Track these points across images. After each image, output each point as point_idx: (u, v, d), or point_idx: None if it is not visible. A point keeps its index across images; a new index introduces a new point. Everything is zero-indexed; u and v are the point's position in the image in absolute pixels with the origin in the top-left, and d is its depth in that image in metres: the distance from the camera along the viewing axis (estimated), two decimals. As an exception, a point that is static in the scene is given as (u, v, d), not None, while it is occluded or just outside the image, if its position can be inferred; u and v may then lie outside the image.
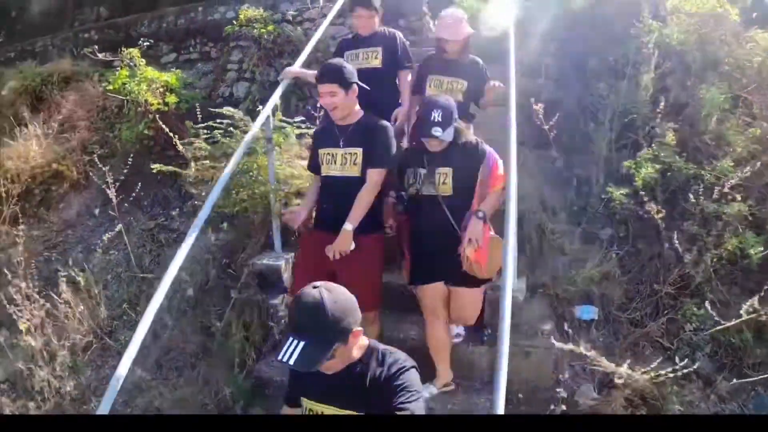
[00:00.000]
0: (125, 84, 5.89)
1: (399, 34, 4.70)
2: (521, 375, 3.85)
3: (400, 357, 2.25)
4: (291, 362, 2.01)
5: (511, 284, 3.06)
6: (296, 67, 4.93)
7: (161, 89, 5.92)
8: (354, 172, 3.61)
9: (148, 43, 6.83)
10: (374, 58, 4.60)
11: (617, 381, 3.64)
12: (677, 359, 3.83)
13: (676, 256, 4.42)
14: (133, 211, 5.72)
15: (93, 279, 4.82)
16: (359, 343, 2.24)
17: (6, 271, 4.81)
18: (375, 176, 3.56)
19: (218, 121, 4.73)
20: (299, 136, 5.03)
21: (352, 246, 3.47)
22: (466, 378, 4.01)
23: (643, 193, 4.46)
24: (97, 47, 7.60)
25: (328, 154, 3.71)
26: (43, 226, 5.95)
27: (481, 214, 3.44)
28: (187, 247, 3.53)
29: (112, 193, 4.69)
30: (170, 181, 5.80)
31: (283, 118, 4.99)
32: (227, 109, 4.76)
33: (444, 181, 3.56)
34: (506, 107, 4.61)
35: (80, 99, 7.35)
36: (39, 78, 7.59)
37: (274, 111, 4.67)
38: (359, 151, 3.60)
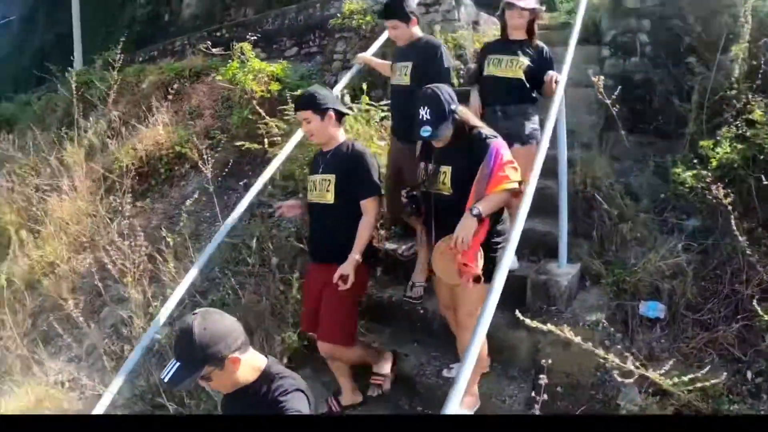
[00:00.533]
0: (235, 74, 6.54)
1: (437, 43, 4.35)
2: (561, 367, 3.71)
3: (285, 382, 2.34)
4: (165, 379, 2.21)
5: (501, 283, 2.85)
6: (368, 54, 5.16)
7: (266, 78, 6.50)
8: (328, 198, 3.62)
9: (255, 37, 7.45)
10: (404, 75, 4.36)
11: (668, 388, 3.31)
12: (749, 374, 3.56)
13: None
14: (239, 188, 6.35)
15: (194, 245, 5.46)
16: (250, 366, 2.34)
17: (125, 235, 5.58)
18: (368, 207, 3.59)
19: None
20: (382, 119, 5.37)
21: (351, 276, 3.50)
22: (505, 363, 3.99)
23: (709, 175, 4.02)
24: (208, 44, 8.43)
25: (311, 181, 3.76)
26: (165, 200, 6.77)
27: (475, 212, 3.13)
28: (237, 213, 4.00)
29: (208, 170, 5.25)
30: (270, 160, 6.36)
31: (370, 102, 5.36)
32: (300, 92, 5.17)
33: (443, 180, 3.37)
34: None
35: (208, 90, 8.19)
36: (173, 72, 8.53)
37: (341, 95, 5.03)
38: (332, 177, 3.59)
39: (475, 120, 3.44)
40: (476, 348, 2.54)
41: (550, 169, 4.13)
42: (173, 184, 6.98)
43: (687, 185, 4.34)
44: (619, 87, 4.78)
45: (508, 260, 2.93)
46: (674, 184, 4.51)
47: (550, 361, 3.21)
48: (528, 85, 4.30)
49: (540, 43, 4.40)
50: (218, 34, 9.53)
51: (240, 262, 5.19)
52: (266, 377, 2.36)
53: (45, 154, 7.89)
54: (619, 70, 5.51)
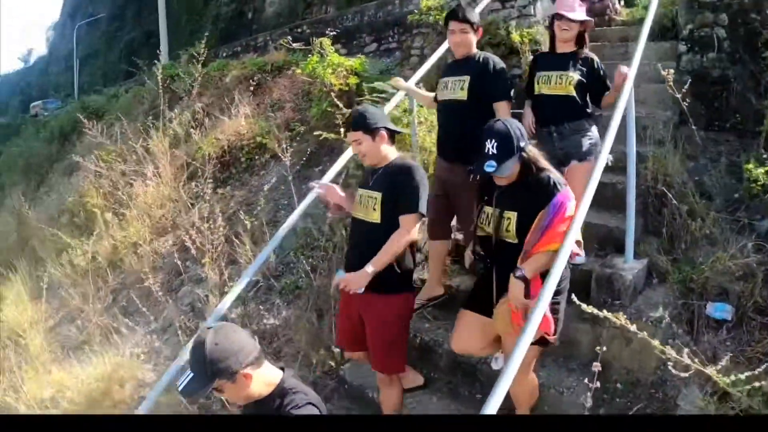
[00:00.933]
0: (315, 68, 6.74)
1: (494, 59, 4.17)
2: (621, 362, 3.66)
3: (297, 397, 2.36)
4: (180, 389, 2.28)
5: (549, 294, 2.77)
6: (418, 75, 5.07)
7: (345, 72, 6.67)
8: (373, 217, 3.41)
9: (335, 33, 7.64)
10: (460, 89, 4.13)
11: (726, 387, 3.11)
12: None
13: None
14: (316, 177, 6.53)
15: (271, 231, 5.66)
16: (263, 381, 2.38)
17: (206, 219, 5.84)
18: (406, 222, 3.33)
19: (376, 95, 5.30)
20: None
21: (361, 289, 3.32)
22: (567, 357, 3.91)
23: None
24: (289, 39, 8.68)
25: (360, 194, 3.57)
26: (244, 188, 7.03)
27: (518, 274, 2.93)
28: (303, 205, 4.08)
29: (287, 159, 5.44)
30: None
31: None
32: (378, 84, 5.30)
33: (507, 226, 3.13)
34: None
35: (289, 84, 8.46)
36: (256, 67, 8.84)
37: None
38: (379, 195, 3.40)
39: (543, 161, 3.16)
40: (504, 384, 2.51)
41: (622, 165, 4.17)
42: (253, 173, 7.24)
43: (760, 183, 4.26)
44: (689, 82, 4.75)
45: (540, 311, 2.73)
46: (747, 182, 4.41)
47: (605, 350, 3.14)
48: (581, 101, 4.15)
49: (590, 55, 4.24)
50: (299, 30, 9.82)
51: (315, 248, 5.35)
52: (280, 392, 2.40)
53: (132, 142, 8.30)
54: (696, 65, 5.32)
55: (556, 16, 4.19)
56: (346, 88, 6.49)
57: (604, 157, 3.50)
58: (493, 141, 3.04)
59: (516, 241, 3.06)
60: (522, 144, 3.07)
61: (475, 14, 4.22)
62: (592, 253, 4.47)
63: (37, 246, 9.47)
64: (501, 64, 4.15)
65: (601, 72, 4.17)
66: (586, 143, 4.14)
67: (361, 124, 3.41)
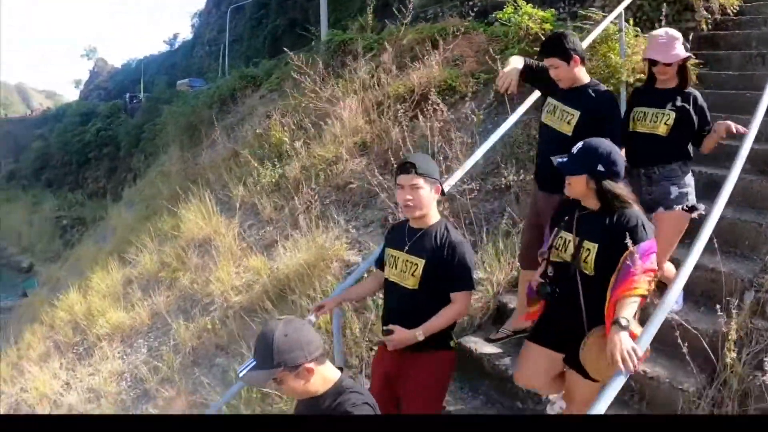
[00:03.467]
0: (510, 17, 7.48)
1: (606, 98, 3.92)
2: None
3: (353, 397, 2.44)
4: (240, 375, 2.41)
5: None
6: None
7: (539, 20, 7.37)
8: (411, 284, 3.30)
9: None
10: (566, 123, 3.92)
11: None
12: None
13: None
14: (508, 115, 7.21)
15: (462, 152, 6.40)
16: (323, 377, 2.47)
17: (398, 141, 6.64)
18: (463, 300, 3.29)
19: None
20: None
21: (397, 343, 3.26)
22: (673, 346, 3.61)
23: None
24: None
25: (392, 255, 3.44)
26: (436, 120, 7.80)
27: (623, 323, 2.74)
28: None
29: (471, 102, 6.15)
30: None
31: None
32: (591, 11, 5.94)
33: (586, 258, 3.04)
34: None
35: (468, 44, 9.23)
36: (434, 30, 9.68)
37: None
38: (421, 262, 3.26)
39: (629, 196, 3.06)
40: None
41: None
42: (442, 112, 8.00)
43: None
44: None
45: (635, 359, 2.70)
46: None
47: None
48: (676, 143, 4.03)
49: (693, 92, 4.07)
50: (471, 2, 10.51)
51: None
52: (337, 390, 2.47)
53: (318, 87, 9.31)
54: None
55: (651, 65, 4.12)
56: (542, 32, 7.15)
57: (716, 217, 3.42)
58: (580, 146, 3.08)
59: (593, 273, 3.00)
60: (601, 168, 3.00)
61: (569, 42, 3.85)
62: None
63: (212, 179, 10.72)
64: (613, 103, 3.96)
65: (702, 111, 4.03)
66: (675, 191, 3.99)
67: (424, 169, 3.23)
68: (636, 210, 3.01)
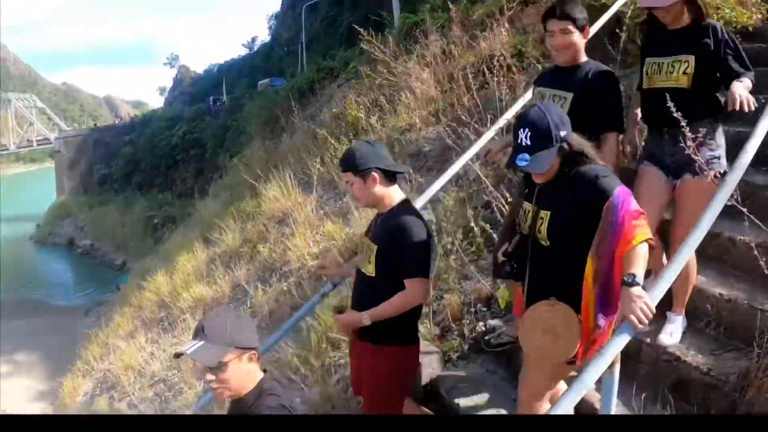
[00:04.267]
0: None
1: (606, 75, 3.44)
2: None
3: (269, 399, 2.40)
4: (188, 351, 2.37)
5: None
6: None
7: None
8: (369, 270, 3.23)
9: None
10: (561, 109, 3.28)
11: None
12: None
13: None
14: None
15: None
16: (247, 377, 2.44)
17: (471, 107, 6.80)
18: (413, 287, 3.13)
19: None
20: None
21: (350, 327, 3.30)
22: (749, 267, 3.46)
23: None
24: None
25: (362, 241, 3.43)
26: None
27: (629, 279, 2.45)
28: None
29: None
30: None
31: None
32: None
33: (540, 227, 2.76)
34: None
35: (536, 13, 9.27)
36: (503, 2, 9.79)
37: None
38: (375, 248, 3.20)
39: (591, 152, 2.73)
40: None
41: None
42: (512, 76, 8.09)
43: None
44: None
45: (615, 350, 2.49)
46: None
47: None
48: (701, 94, 3.35)
49: (713, 23, 3.39)
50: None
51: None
52: (258, 392, 2.44)
53: (391, 63, 9.57)
54: None
55: (650, 15, 3.54)
56: None
57: (735, 180, 3.00)
58: (527, 130, 2.65)
59: (548, 243, 2.74)
60: (563, 134, 2.65)
61: (579, 9, 3.40)
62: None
63: (292, 161, 11.16)
64: (614, 81, 3.45)
65: (728, 44, 3.30)
66: (705, 153, 3.33)
67: (350, 164, 3.18)
68: (591, 165, 2.68)
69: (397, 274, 3.14)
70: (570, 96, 3.36)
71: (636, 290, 2.43)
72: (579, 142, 2.71)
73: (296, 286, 7.09)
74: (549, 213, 2.72)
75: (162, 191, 39.80)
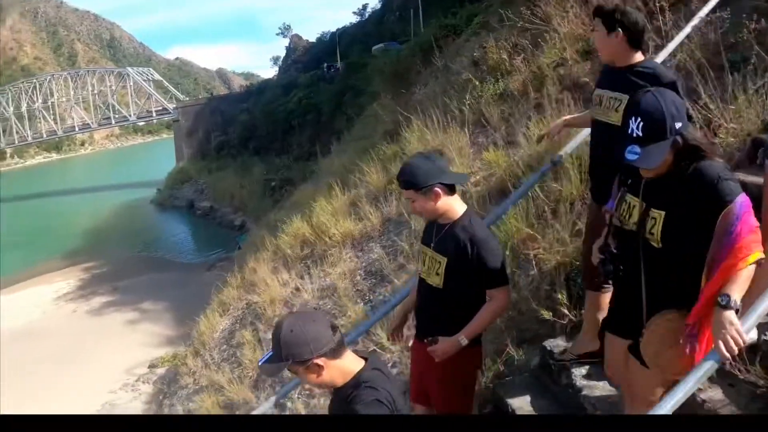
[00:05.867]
0: None
1: (671, 75, 3.15)
2: None
3: (362, 394, 2.39)
4: (259, 363, 2.48)
5: None
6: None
7: None
8: (435, 281, 3.25)
9: None
10: (614, 110, 3.17)
11: None
12: None
13: None
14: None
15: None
16: (340, 371, 2.44)
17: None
18: (500, 296, 3.19)
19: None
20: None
21: (442, 354, 3.19)
22: None
23: None
24: None
25: (423, 252, 3.42)
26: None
27: (724, 302, 2.26)
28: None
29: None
30: None
31: None
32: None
33: (652, 228, 2.52)
34: None
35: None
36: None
37: None
38: (443, 260, 3.20)
39: (710, 149, 2.49)
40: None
41: None
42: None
43: None
44: None
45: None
46: None
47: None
48: None
49: None
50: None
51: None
52: (355, 383, 2.45)
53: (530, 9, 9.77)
54: None
55: None
56: None
57: None
58: (639, 120, 2.42)
59: (660, 246, 2.50)
60: (678, 125, 2.42)
61: (622, 14, 3.12)
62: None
63: (429, 108, 11.56)
64: (670, 80, 3.03)
65: None
66: None
67: (410, 182, 3.17)
68: (712, 162, 2.43)
69: (467, 286, 3.19)
70: (624, 99, 3.01)
71: (729, 315, 2.25)
72: (695, 136, 2.50)
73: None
74: (663, 213, 2.48)
75: (279, 155, 41.36)
